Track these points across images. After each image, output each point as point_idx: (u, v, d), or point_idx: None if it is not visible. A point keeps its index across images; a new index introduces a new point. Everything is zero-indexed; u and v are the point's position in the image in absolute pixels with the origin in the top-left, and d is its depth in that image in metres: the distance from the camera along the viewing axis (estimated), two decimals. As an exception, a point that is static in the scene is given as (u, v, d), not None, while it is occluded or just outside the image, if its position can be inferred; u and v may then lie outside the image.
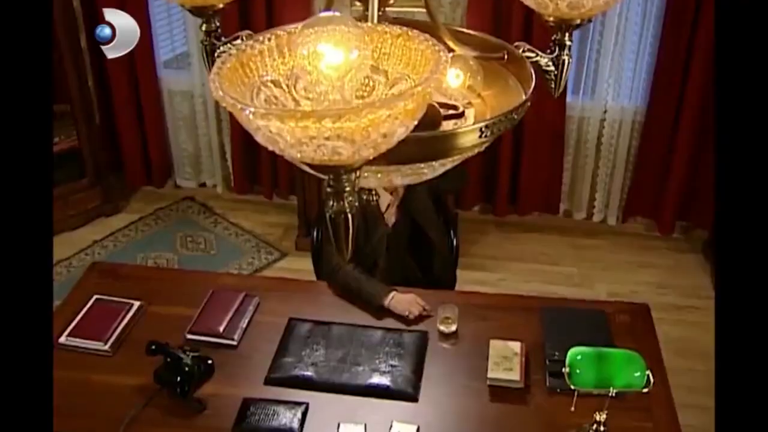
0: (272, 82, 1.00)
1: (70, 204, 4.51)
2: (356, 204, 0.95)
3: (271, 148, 0.89)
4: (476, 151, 1.22)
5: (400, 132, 0.87)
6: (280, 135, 0.83)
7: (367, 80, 1.02)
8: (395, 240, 3.13)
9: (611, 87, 4.36)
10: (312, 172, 0.95)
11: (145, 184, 5.01)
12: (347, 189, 0.93)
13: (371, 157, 0.88)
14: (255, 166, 4.81)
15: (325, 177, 0.93)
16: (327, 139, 0.82)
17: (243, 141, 4.66)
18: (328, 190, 0.94)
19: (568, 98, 4.40)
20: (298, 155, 0.85)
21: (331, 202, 0.96)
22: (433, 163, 1.16)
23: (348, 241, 0.97)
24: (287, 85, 1.01)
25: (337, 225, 0.96)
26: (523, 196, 4.65)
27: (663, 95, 4.24)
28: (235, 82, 0.95)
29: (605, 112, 4.44)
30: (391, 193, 3.09)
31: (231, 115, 4.27)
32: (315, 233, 3.34)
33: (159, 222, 4.73)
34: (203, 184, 5.06)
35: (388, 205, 3.10)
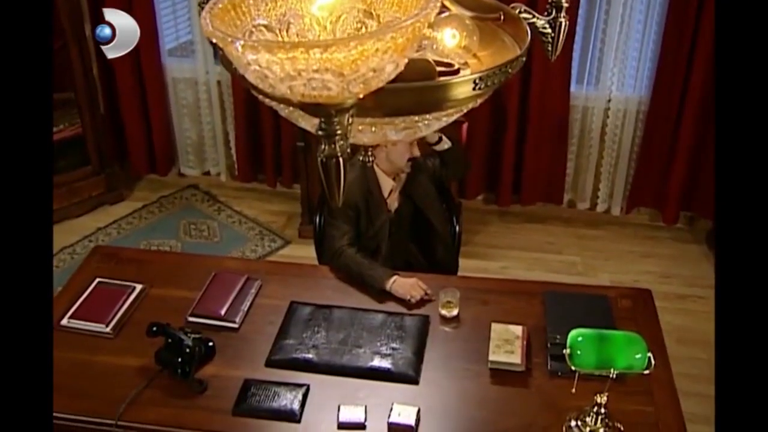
0: (264, 26, 0.99)
1: (73, 192, 4.52)
2: (348, 149, 0.94)
3: (261, 86, 0.88)
4: (470, 105, 1.21)
5: (390, 69, 0.86)
6: (269, 69, 0.82)
7: (359, 25, 1.02)
8: (398, 225, 3.13)
9: (615, 77, 4.35)
10: (304, 126, 0.94)
11: (149, 172, 5.01)
12: (339, 132, 0.92)
13: (361, 95, 0.87)
14: (259, 155, 4.81)
15: (317, 119, 0.92)
16: (316, 71, 0.81)
17: (247, 129, 4.66)
18: (320, 133, 0.93)
19: (572, 88, 4.39)
20: (288, 91, 0.85)
21: (322, 146, 0.95)
22: (427, 116, 1.15)
23: (340, 187, 0.96)
24: (279, 30, 1.01)
25: (329, 169, 0.95)
26: (526, 186, 4.64)
27: (667, 85, 4.23)
28: (226, 23, 0.94)
29: (609, 101, 4.43)
30: (394, 179, 3.09)
31: (235, 103, 4.23)
32: (317, 218, 3.34)
33: (163, 210, 4.74)
34: (207, 173, 5.07)
35: (391, 191, 3.10)
